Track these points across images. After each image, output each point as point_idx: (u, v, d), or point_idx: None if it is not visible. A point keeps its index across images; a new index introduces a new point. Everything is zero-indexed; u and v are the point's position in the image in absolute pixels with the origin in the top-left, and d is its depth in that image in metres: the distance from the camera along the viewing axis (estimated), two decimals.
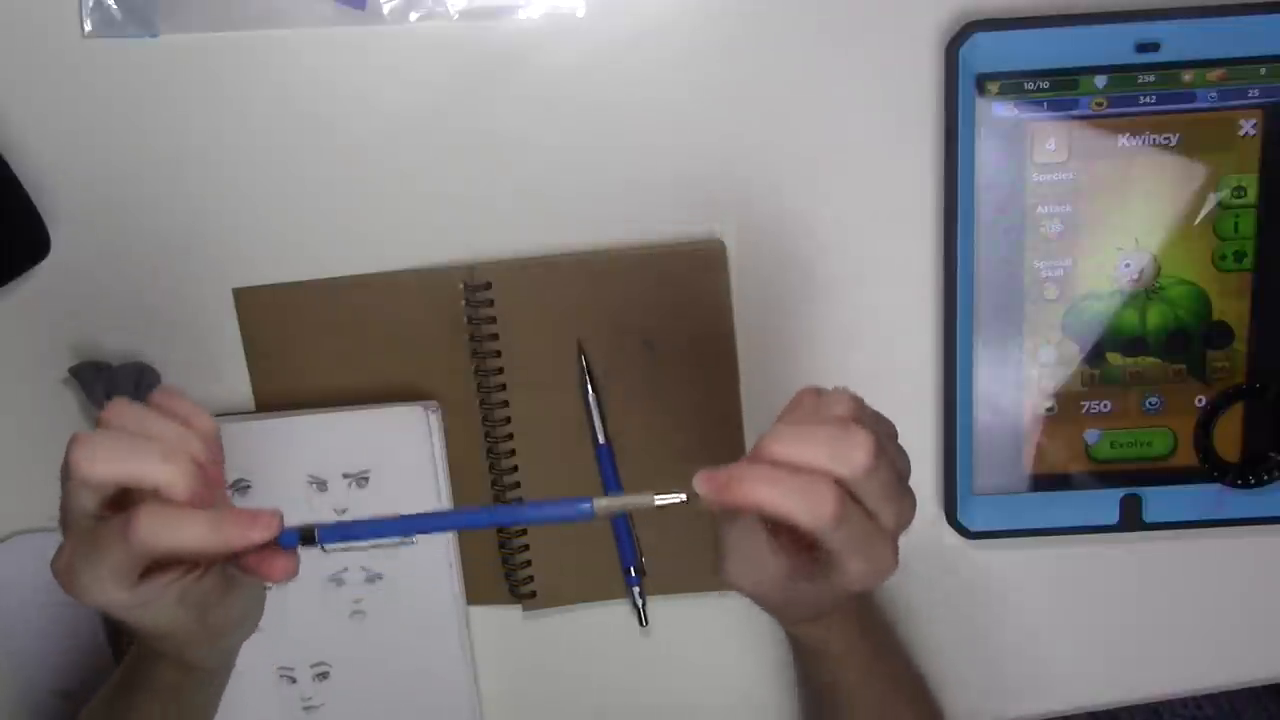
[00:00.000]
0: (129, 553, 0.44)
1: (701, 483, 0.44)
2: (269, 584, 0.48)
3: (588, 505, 0.46)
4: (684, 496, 0.45)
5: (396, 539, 0.48)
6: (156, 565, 0.46)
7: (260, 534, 0.45)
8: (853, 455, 0.43)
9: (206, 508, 0.46)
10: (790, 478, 0.43)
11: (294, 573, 0.47)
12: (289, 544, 0.47)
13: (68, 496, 0.46)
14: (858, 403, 0.46)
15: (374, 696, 0.67)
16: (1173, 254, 0.62)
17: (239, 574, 0.48)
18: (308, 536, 0.47)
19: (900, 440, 0.48)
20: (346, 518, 0.64)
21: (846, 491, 0.43)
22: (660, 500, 0.46)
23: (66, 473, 0.45)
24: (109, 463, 0.45)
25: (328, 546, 0.47)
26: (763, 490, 0.43)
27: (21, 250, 0.62)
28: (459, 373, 0.65)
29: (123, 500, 0.46)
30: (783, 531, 0.47)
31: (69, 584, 0.46)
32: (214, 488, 0.48)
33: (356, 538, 0.47)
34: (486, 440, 0.65)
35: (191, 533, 0.44)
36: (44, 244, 0.63)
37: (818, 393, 0.47)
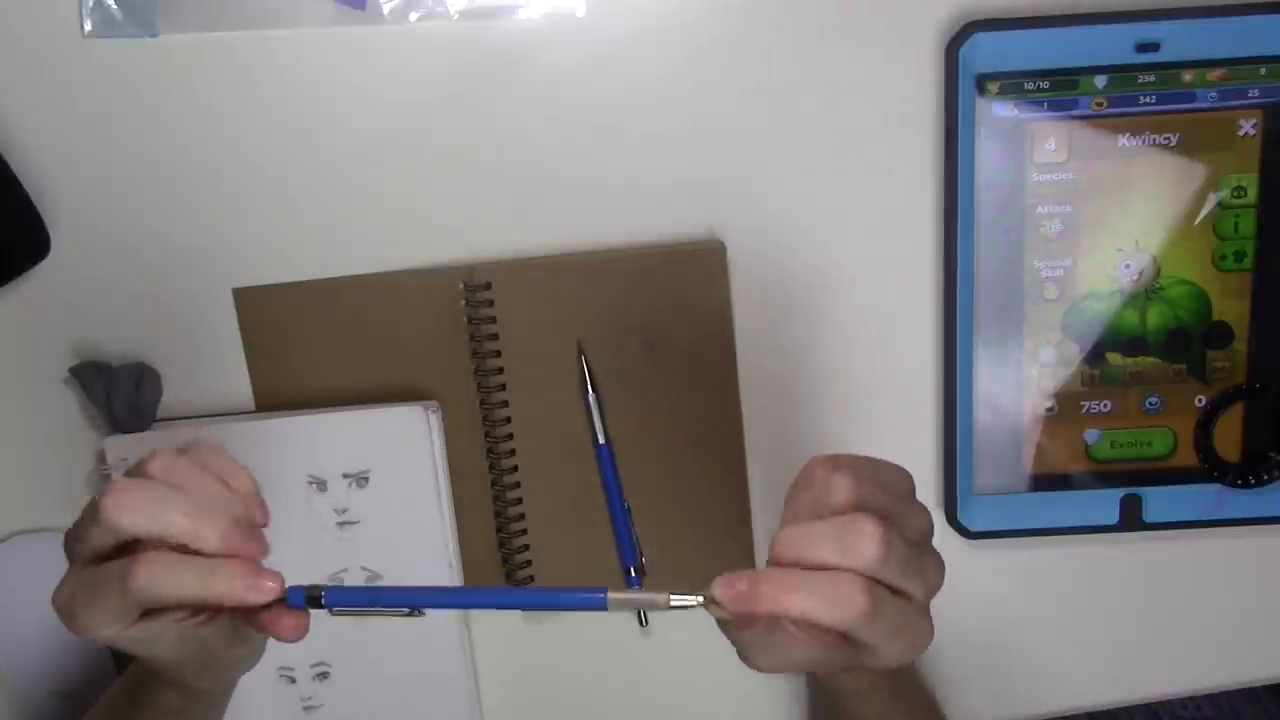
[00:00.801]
0: (126, 598, 0.44)
1: (722, 590, 0.42)
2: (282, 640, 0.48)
3: (601, 597, 0.45)
4: (700, 599, 0.44)
5: (405, 611, 0.48)
6: (156, 607, 0.46)
7: (257, 597, 0.45)
8: (862, 548, 0.42)
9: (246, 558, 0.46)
10: (815, 580, 0.42)
11: (304, 632, 0.47)
12: (297, 603, 0.47)
13: (84, 530, 0.46)
14: (859, 478, 0.44)
15: (374, 697, 0.67)
16: (1173, 254, 0.62)
17: (249, 629, 0.48)
18: (314, 599, 0.47)
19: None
20: (347, 518, 0.64)
21: (871, 579, 0.42)
22: (676, 601, 0.44)
23: (93, 513, 0.45)
24: (136, 515, 0.45)
25: (334, 610, 0.47)
26: (789, 598, 0.42)
27: (21, 250, 0.62)
28: (459, 373, 0.65)
29: (131, 544, 0.46)
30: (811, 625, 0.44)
31: (68, 619, 0.46)
32: (254, 543, 0.47)
33: (363, 604, 0.48)
34: (486, 440, 0.65)
35: (189, 585, 0.44)
36: (44, 244, 0.62)
37: (825, 464, 0.44)
